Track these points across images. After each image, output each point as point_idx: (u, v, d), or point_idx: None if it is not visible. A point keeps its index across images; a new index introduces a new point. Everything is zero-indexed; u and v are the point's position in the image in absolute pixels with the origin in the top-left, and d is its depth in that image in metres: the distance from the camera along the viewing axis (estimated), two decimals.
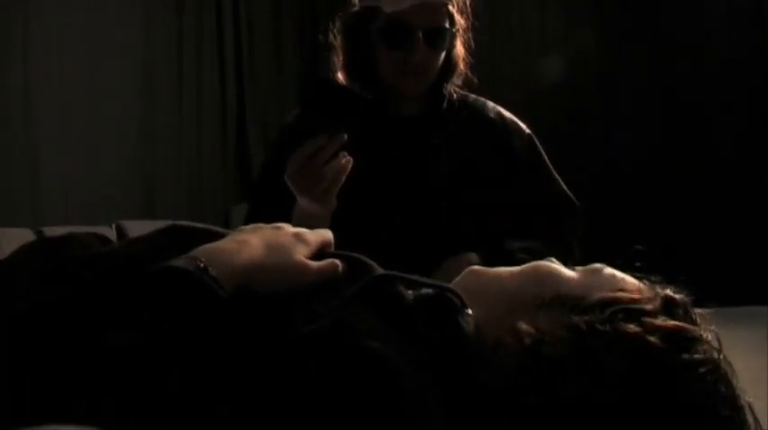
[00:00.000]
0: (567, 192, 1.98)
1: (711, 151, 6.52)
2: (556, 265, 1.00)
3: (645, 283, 0.97)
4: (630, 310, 0.89)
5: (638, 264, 0.99)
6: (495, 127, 1.93)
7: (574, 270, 0.98)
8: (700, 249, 6.31)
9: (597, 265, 0.99)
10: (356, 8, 1.86)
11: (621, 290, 0.94)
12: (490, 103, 1.99)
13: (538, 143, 1.97)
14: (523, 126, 1.98)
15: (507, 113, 1.98)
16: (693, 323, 0.90)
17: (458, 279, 1.03)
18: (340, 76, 1.90)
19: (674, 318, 0.90)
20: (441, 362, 0.86)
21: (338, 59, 1.90)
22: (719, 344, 0.89)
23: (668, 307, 0.91)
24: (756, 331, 4.62)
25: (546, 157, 1.98)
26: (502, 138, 1.92)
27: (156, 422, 0.77)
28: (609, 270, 0.98)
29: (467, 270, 1.04)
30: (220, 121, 6.67)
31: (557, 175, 1.98)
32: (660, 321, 0.88)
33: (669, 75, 6.59)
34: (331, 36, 1.91)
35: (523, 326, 0.89)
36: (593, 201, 6.28)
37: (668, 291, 0.94)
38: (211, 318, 0.83)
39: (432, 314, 0.92)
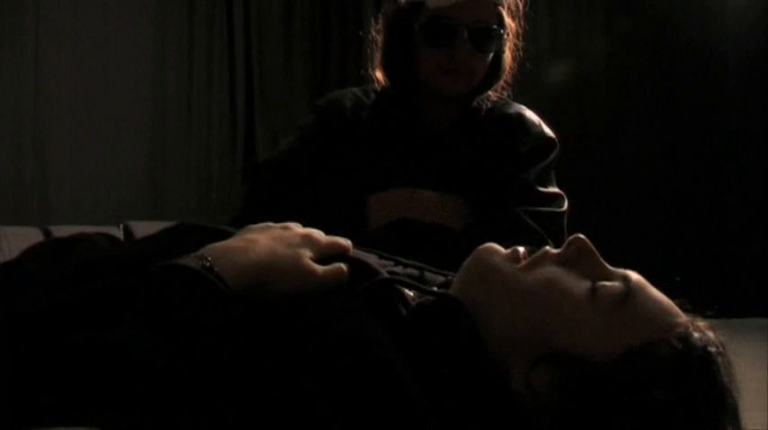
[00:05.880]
0: (545, 211, 1.68)
1: (719, 160, 6.50)
2: (571, 286, 0.91)
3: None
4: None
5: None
6: (511, 121, 1.79)
7: (597, 294, 0.90)
8: (702, 261, 6.29)
9: (625, 286, 0.90)
10: (400, 3, 1.77)
11: (641, 331, 0.88)
12: (518, 105, 1.84)
13: (554, 151, 1.78)
14: (547, 130, 1.80)
15: (532, 115, 1.82)
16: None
17: (466, 267, 0.98)
18: (378, 73, 1.83)
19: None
20: (435, 370, 0.86)
21: (378, 56, 1.81)
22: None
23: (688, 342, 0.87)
24: (757, 343, 4.62)
25: (552, 168, 1.77)
26: (513, 131, 1.77)
27: (161, 423, 0.77)
28: (636, 299, 0.90)
29: (473, 266, 0.98)
30: (230, 125, 6.68)
31: (549, 190, 1.72)
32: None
33: (677, 79, 6.57)
34: (373, 32, 1.82)
35: (532, 381, 0.88)
36: (597, 207, 6.28)
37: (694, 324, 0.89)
38: (216, 318, 0.83)
39: (430, 322, 0.92)
